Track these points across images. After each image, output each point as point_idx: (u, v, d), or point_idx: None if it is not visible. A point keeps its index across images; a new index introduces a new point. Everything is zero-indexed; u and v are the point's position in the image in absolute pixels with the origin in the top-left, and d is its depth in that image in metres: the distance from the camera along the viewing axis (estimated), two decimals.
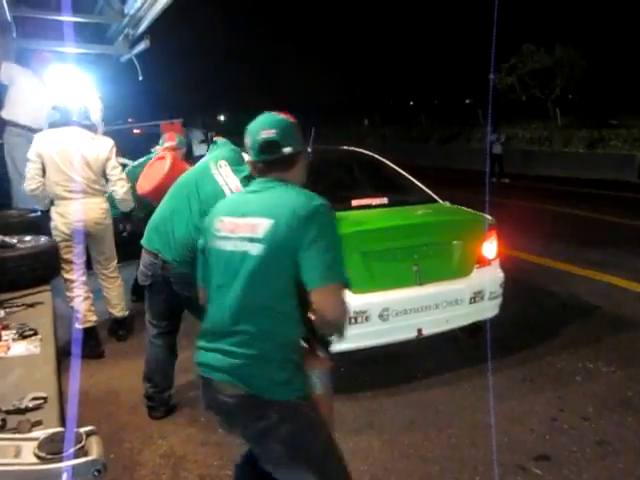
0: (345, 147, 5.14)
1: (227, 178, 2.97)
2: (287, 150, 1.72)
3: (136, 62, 5.79)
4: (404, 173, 4.47)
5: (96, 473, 1.33)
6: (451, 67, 29.76)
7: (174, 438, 2.93)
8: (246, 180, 2.99)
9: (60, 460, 1.31)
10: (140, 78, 5.85)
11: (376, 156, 4.68)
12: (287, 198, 1.67)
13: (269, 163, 1.74)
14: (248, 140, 1.75)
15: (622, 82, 25.14)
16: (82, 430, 1.40)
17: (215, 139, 3.34)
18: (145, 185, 3.52)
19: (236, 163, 3.06)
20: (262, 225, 1.63)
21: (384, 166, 4.59)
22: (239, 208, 1.73)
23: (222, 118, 39.69)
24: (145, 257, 3.02)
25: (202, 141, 11.16)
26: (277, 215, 1.62)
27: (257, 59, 37.00)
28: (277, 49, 36.44)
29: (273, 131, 1.70)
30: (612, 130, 18.64)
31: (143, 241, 3.04)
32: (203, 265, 1.84)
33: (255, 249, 1.62)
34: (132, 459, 2.75)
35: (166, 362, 3.14)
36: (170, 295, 2.98)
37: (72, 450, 1.33)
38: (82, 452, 1.35)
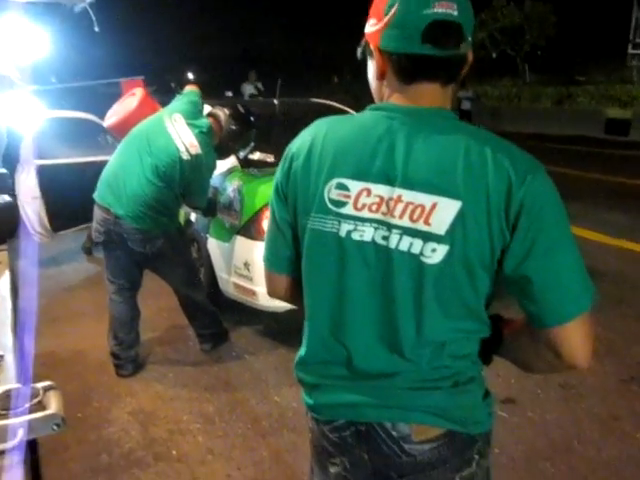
0: (315, 99, 5.02)
1: (181, 132, 2.88)
2: (464, 46, 0.97)
3: (91, 12, 5.46)
4: None
5: (55, 427, 1.29)
6: None
7: (142, 395, 2.89)
8: (203, 135, 2.91)
9: (16, 415, 1.26)
10: (96, 29, 5.54)
11: (347, 108, 4.57)
12: (479, 154, 0.93)
13: (430, 66, 0.97)
14: (394, 13, 0.95)
15: (591, 38, 25.18)
16: (39, 385, 1.34)
17: (185, 89, 3.21)
18: (111, 118, 3.43)
19: (192, 117, 2.98)
20: (441, 210, 0.93)
21: None
22: (383, 165, 0.97)
23: (190, 76, 38.38)
24: (97, 212, 2.93)
25: (251, 95, 10.84)
26: (468, 191, 0.92)
27: (226, 13, 35.61)
28: (248, 3, 35.18)
29: (454, 6, 0.94)
30: (579, 87, 18.80)
31: (95, 195, 2.95)
32: (287, 245, 1.13)
33: (433, 254, 0.94)
34: (100, 417, 2.71)
35: (129, 318, 3.08)
36: (125, 251, 2.92)
37: (28, 405, 1.28)
38: (40, 407, 1.30)
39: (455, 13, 0.94)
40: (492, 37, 23.92)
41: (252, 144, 3.30)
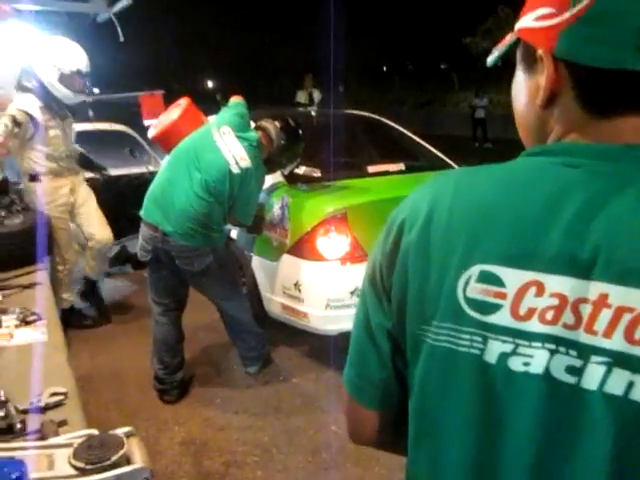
0: (351, 111, 4.90)
1: (231, 146, 2.76)
2: None
3: (116, 22, 5.35)
4: (414, 137, 4.28)
5: None
6: (425, 31, 29.36)
7: (191, 423, 2.74)
8: (252, 148, 2.78)
9: (102, 470, 1.12)
10: (121, 39, 5.42)
11: (383, 119, 4.46)
12: None
13: None
14: (592, 1, 0.58)
15: None
16: (120, 432, 1.21)
17: (231, 100, 3.09)
18: (155, 129, 3.33)
19: (241, 129, 2.86)
20: None
21: (393, 130, 4.39)
22: (563, 241, 0.58)
23: (210, 85, 38.15)
24: (144, 230, 2.81)
25: (300, 104, 9.29)
26: None
27: (239, 28, 35.39)
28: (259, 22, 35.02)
29: None
30: None
31: (142, 212, 2.83)
32: (383, 365, 0.75)
33: None
34: (149, 448, 2.50)
35: (175, 341, 2.96)
36: (173, 270, 2.81)
37: (115, 458, 1.14)
38: (125, 459, 1.17)
39: None
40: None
41: (299, 159, 3.16)
